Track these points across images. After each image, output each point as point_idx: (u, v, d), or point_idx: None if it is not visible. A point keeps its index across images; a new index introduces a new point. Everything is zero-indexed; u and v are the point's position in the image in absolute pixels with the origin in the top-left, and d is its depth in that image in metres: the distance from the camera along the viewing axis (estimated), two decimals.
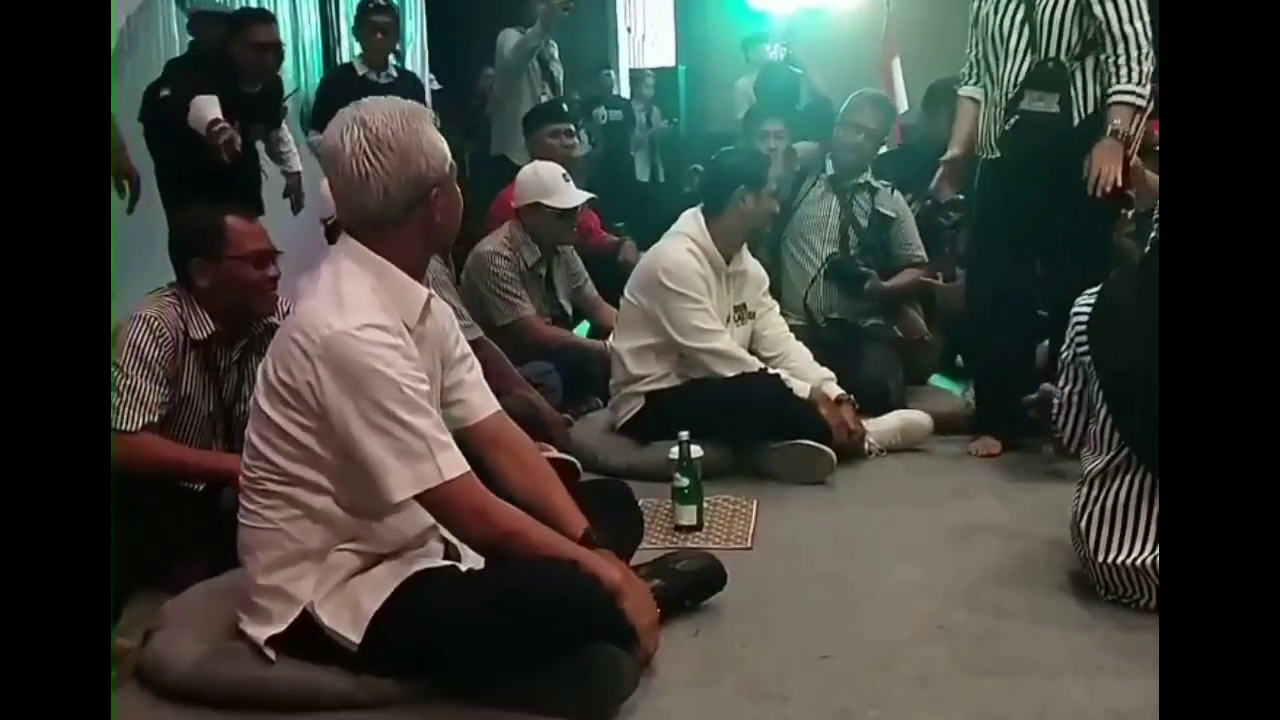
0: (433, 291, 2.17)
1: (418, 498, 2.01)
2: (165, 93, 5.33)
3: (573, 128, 5.19)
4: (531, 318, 4.15)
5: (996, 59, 3.56)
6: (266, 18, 4.95)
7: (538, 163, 4.39)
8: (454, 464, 2.02)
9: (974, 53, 3.70)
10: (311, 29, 7.44)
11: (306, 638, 2.09)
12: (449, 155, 2.09)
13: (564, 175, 4.22)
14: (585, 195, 4.25)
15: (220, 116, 4.41)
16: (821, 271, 4.41)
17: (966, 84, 3.77)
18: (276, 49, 4.83)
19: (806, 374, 3.72)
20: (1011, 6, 3.51)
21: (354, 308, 2.00)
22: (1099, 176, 3.27)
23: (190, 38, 5.61)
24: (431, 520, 2.17)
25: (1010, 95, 3.50)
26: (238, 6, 5.96)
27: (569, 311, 4.46)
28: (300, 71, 7.10)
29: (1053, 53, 3.41)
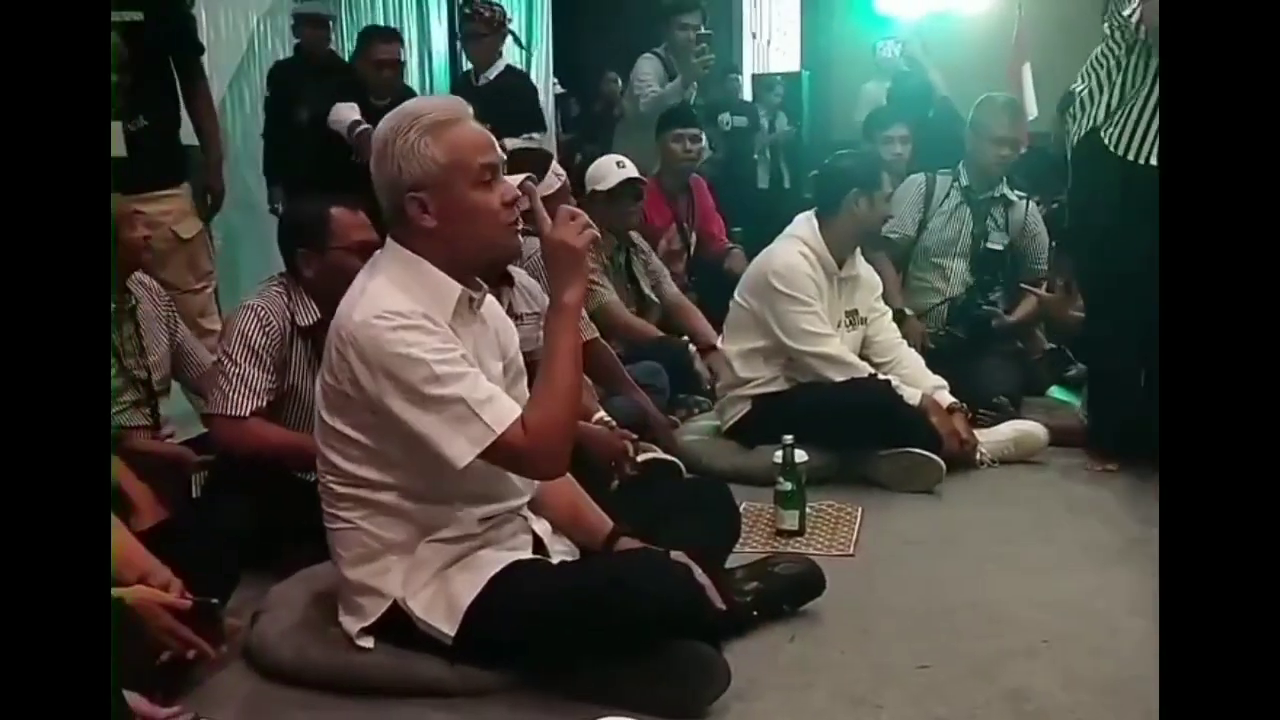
0: (476, 294, 2.16)
1: (486, 458, 2.01)
2: (266, 94, 5.61)
3: (697, 133, 5.17)
4: (615, 302, 4.17)
5: None
6: (390, 35, 5.07)
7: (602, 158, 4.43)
8: (501, 415, 2.00)
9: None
10: (440, 39, 7.60)
11: (402, 626, 2.13)
12: (446, 161, 2.04)
13: (617, 162, 4.24)
14: (623, 175, 4.20)
15: (360, 119, 4.53)
16: (944, 309, 4.38)
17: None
18: (395, 65, 4.93)
19: (918, 381, 3.67)
20: None
21: (374, 298, 2.03)
22: None
23: (295, 40, 5.84)
24: (514, 506, 2.20)
25: None
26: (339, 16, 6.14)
27: (656, 300, 4.46)
28: (426, 80, 7.26)
29: None
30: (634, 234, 4.47)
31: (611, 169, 4.22)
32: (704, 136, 5.34)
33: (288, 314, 2.87)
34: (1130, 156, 3.40)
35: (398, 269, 2.09)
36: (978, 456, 3.63)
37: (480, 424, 1.98)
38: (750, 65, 10.93)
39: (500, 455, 2.02)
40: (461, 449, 1.99)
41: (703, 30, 5.38)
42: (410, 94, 5.22)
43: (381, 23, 6.67)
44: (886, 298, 3.98)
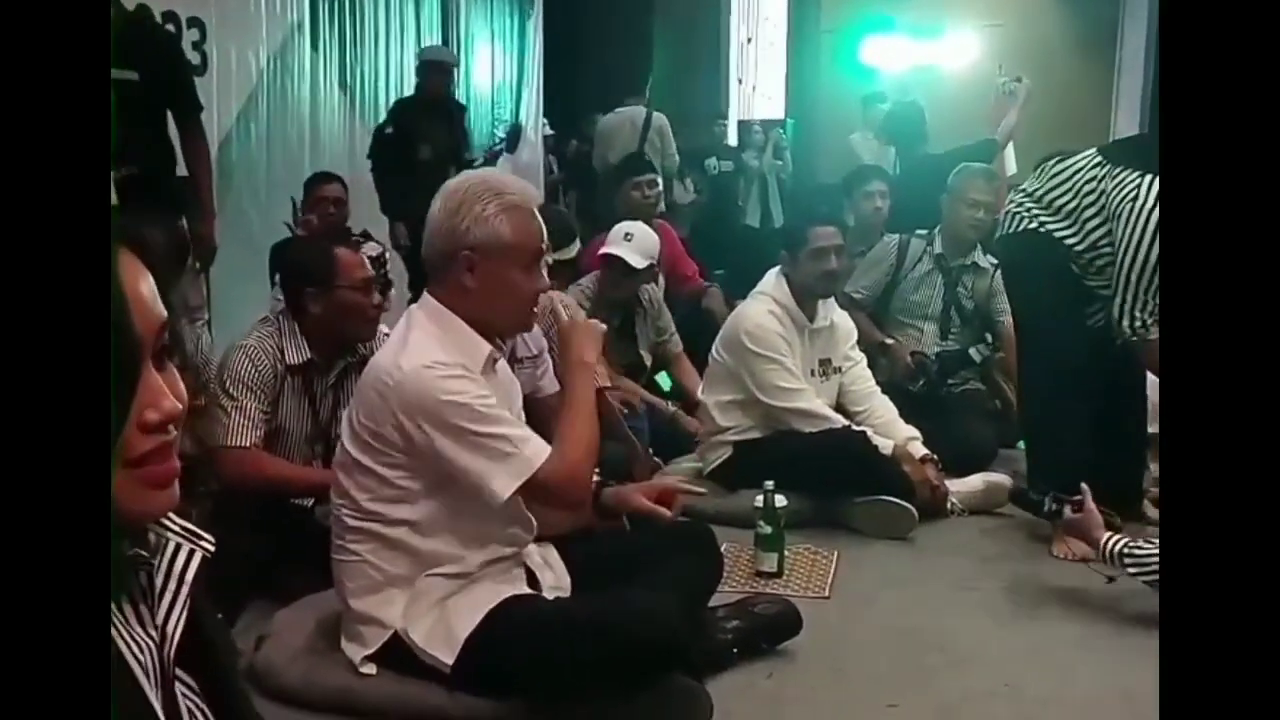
0: (498, 355, 2.32)
1: (523, 491, 2.18)
2: (389, 130, 5.91)
3: (654, 178, 5.33)
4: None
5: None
6: (329, 177, 5.19)
7: (628, 222, 4.51)
8: (539, 451, 2.19)
9: None
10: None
11: (403, 654, 2.24)
12: (510, 239, 2.20)
13: (625, 235, 4.27)
14: (642, 260, 4.22)
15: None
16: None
17: None
18: (340, 202, 5.05)
19: (892, 432, 3.79)
20: None
21: (417, 350, 2.19)
22: None
23: (416, 79, 6.29)
24: (510, 550, 2.33)
25: None
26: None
27: (646, 364, 4.51)
28: None
29: None
30: (649, 290, 4.50)
31: (616, 239, 4.27)
32: (660, 182, 5.47)
33: (278, 353, 3.01)
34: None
35: (434, 324, 2.25)
36: (949, 506, 3.75)
37: (522, 458, 2.16)
38: (736, 111, 11.11)
39: (537, 488, 2.20)
40: (504, 482, 2.16)
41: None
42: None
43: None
44: (866, 336, 4.11)
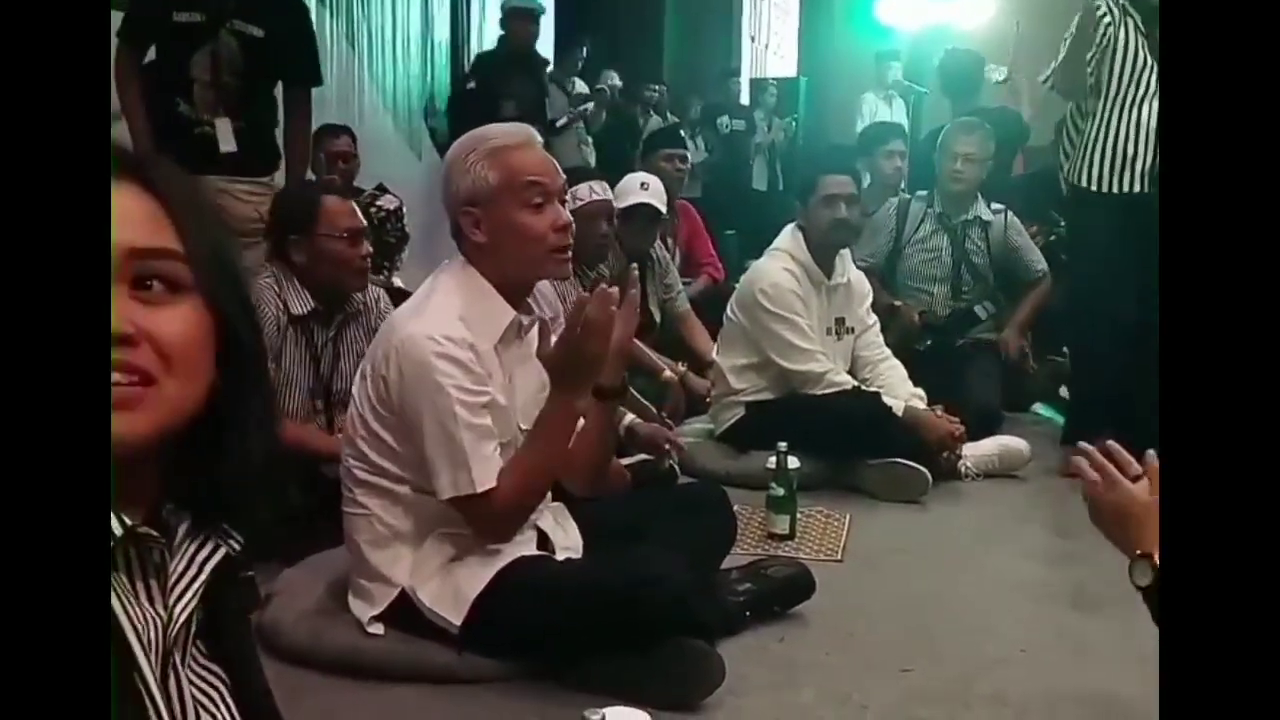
0: (527, 319, 2.26)
1: (456, 500, 2.14)
2: (470, 86, 5.73)
3: (685, 153, 5.20)
4: None
5: (1134, 87, 3.60)
6: (339, 130, 5.16)
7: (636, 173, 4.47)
8: (483, 478, 2.12)
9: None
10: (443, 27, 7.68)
11: (411, 613, 2.22)
12: (497, 181, 2.16)
13: (641, 183, 4.24)
14: (664, 206, 4.22)
15: None
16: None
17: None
18: (349, 157, 5.06)
19: (896, 391, 3.75)
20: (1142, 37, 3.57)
21: (434, 316, 2.15)
22: None
23: (501, 30, 6.08)
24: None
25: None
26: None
27: (657, 320, 4.43)
28: (429, 68, 7.33)
29: None
30: (657, 246, 4.42)
31: (634, 189, 4.20)
32: (687, 157, 5.35)
33: (280, 303, 2.95)
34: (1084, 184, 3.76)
35: (458, 286, 2.21)
36: (962, 470, 3.72)
37: (464, 477, 2.12)
38: (749, 69, 11.01)
39: (467, 507, 2.16)
40: (445, 485, 2.13)
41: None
42: None
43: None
44: (875, 300, 4.07)
